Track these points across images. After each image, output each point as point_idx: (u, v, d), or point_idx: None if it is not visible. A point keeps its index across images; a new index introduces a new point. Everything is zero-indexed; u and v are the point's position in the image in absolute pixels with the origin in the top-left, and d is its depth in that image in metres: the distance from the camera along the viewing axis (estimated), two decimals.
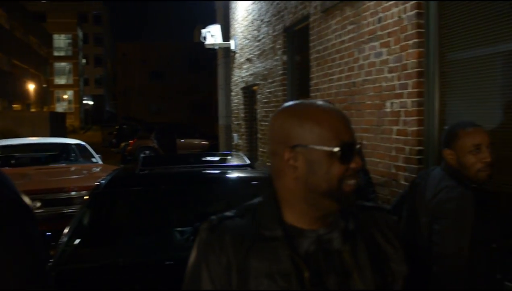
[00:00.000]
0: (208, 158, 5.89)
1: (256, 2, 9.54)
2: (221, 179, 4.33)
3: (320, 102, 1.33)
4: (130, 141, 21.30)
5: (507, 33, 3.43)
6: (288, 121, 1.29)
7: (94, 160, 9.34)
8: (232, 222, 1.32)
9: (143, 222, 3.99)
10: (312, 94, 6.58)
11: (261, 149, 9.40)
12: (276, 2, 8.25)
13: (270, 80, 8.71)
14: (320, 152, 1.25)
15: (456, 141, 2.34)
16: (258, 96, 9.59)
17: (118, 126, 28.52)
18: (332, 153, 1.24)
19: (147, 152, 19.38)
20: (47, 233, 3.68)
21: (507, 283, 2.48)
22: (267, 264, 1.25)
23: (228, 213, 1.36)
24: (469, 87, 3.87)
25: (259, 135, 9.59)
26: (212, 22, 11.79)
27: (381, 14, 4.74)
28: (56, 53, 66.58)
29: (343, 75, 5.60)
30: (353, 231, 1.33)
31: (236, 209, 1.38)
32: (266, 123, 8.96)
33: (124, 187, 4.11)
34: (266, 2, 8.84)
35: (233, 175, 4.42)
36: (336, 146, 1.24)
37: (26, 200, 1.28)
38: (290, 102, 1.35)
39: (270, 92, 8.72)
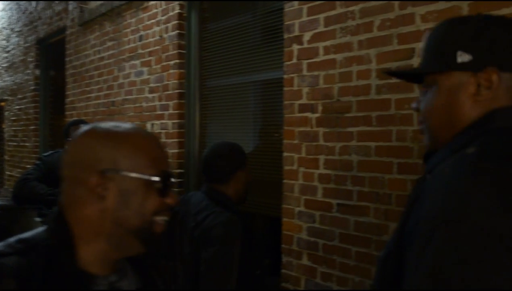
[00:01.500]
0: None
1: (6, 10, 8.61)
2: None
3: (138, 127, 1.12)
4: None
5: (258, 65, 3.56)
6: (99, 142, 1.07)
7: None
8: (12, 262, 0.98)
9: None
10: (67, 112, 6.08)
11: (8, 173, 8.41)
12: (29, 11, 7.53)
13: (20, 96, 7.86)
14: (136, 181, 1.05)
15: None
16: (6, 113, 8.59)
17: None
18: (150, 183, 1.05)
19: None
20: None
21: None
22: None
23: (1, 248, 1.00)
24: (226, 112, 3.92)
25: (6, 157, 8.57)
26: None
27: (142, 32, 4.58)
28: None
29: (102, 93, 5.27)
30: (140, 277, 1.15)
31: (9, 242, 1.03)
32: (15, 143, 8.05)
33: None
34: (18, 10, 8.02)
35: None
36: (155, 175, 1.06)
37: None
38: (103, 124, 1.11)
39: (20, 109, 7.87)
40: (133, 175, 1.04)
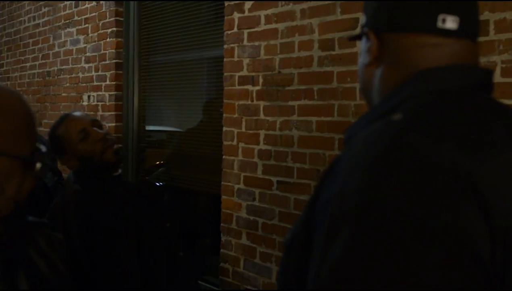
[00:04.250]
0: None
1: None
2: None
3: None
4: None
5: (204, 42, 3.36)
6: None
7: None
8: None
9: None
10: (1, 83, 5.71)
11: None
12: None
13: None
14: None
15: (63, 143, 2.00)
16: None
17: None
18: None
19: None
20: None
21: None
22: None
23: None
24: (169, 84, 3.72)
25: None
26: None
27: None
28: None
29: (36, 63, 4.95)
30: (11, 260, 0.95)
31: None
32: None
33: None
34: None
35: None
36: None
37: None
38: None
39: None
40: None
